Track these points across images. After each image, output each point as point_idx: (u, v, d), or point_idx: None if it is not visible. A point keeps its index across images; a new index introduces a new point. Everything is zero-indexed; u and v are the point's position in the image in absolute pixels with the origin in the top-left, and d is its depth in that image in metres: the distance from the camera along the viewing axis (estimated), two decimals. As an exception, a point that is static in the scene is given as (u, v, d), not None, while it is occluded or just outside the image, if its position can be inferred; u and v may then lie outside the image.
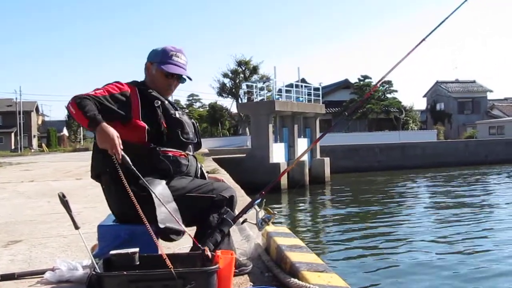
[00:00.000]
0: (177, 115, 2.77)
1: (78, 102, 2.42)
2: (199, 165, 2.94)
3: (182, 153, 2.76)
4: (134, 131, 2.61)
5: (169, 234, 2.59)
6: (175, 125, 2.73)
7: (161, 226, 2.46)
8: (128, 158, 2.41)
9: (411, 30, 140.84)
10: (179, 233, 2.58)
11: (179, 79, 2.91)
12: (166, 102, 2.79)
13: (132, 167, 2.40)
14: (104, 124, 2.40)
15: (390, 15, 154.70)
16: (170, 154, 2.68)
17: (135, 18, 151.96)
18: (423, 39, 3.28)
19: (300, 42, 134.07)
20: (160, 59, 2.82)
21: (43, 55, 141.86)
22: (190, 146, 2.84)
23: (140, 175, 2.41)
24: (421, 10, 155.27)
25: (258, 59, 57.80)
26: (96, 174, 2.76)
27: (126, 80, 2.80)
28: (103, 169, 2.66)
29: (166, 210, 2.46)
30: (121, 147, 2.40)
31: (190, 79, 2.94)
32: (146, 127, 2.63)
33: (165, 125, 2.69)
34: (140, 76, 2.93)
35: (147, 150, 2.62)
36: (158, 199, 2.48)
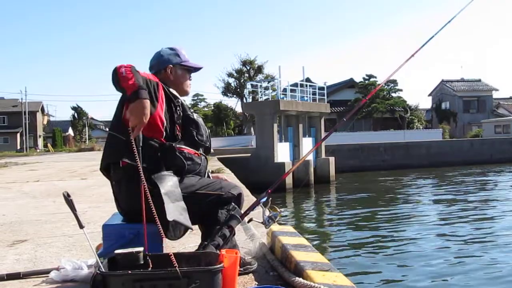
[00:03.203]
0: (194, 116, 2.81)
1: (132, 68, 2.46)
2: (207, 166, 2.96)
3: (196, 152, 2.78)
4: (152, 124, 2.58)
5: (176, 230, 2.60)
6: (191, 125, 2.77)
7: (170, 219, 2.43)
8: (141, 138, 2.45)
9: (415, 32, 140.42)
10: (186, 230, 2.61)
11: None
12: (185, 102, 2.84)
13: (139, 150, 2.41)
14: (147, 101, 2.44)
15: (393, 17, 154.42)
16: (185, 151, 2.70)
17: (141, 18, 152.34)
18: (412, 55, 3.37)
19: (305, 42, 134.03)
20: (180, 60, 2.89)
21: (48, 55, 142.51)
22: (201, 148, 2.86)
23: (139, 163, 2.37)
24: (427, 12, 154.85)
25: (263, 59, 57.70)
26: (106, 165, 2.74)
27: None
28: (116, 160, 2.63)
29: (173, 208, 2.47)
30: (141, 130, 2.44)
31: (201, 67, 3.05)
32: (165, 123, 2.64)
33: (179, 125, 2.72)
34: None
35: (163, 146, 2.62)
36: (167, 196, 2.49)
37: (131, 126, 2.42)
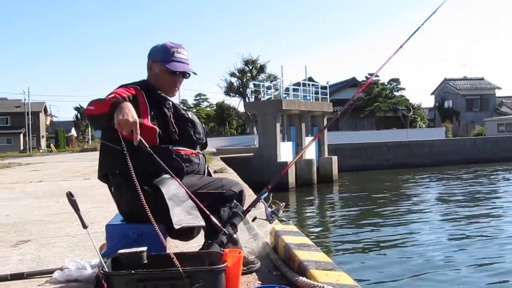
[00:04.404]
0: (189, 115, 2.77)
1: (95, 99, 2.41)
2: (206, 164, 2.95)
3: (194, 152, 2.76)
4: (144, 132, 2.49)
5: (183, 235, 2.61)
6: (187, 124, 2.73)
7: (176, 227, 2.38)
8: (144, 141, 2.35)
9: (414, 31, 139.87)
10: (193, 231, 2.60)
11: (184, 75, 2.84)
12: (175, 102, 2.77)
13: (149, 149, 2.38)
14: (129, 104, 2.32)
15: (393, 17, 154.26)
16: (182, 152, 2.67)
17: (141, 18, 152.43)
18: (400, 46, 3.40)
19: (305, 42, 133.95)
20: (162, 57, 2.74)
21: (51, 55, 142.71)
22: (198, 145, 2.85)
23: (153, 153, 2.39)
24: (427, 12, 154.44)
25: (265, 58, 57.87)
26: (104, 175, 2.73)
27: (131, 80, 2.79)
28: (113, 170, 2.64)
29: (180, 210, 2.45)
30: (139, 131, 2.30)
31: (195, 73, 2.85)
32: (157, 130, 2.58)
33: (175, 125, 2.68)
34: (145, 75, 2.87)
35: (159, 150, 2.56)
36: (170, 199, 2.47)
37: (127, 131, 2.29)
